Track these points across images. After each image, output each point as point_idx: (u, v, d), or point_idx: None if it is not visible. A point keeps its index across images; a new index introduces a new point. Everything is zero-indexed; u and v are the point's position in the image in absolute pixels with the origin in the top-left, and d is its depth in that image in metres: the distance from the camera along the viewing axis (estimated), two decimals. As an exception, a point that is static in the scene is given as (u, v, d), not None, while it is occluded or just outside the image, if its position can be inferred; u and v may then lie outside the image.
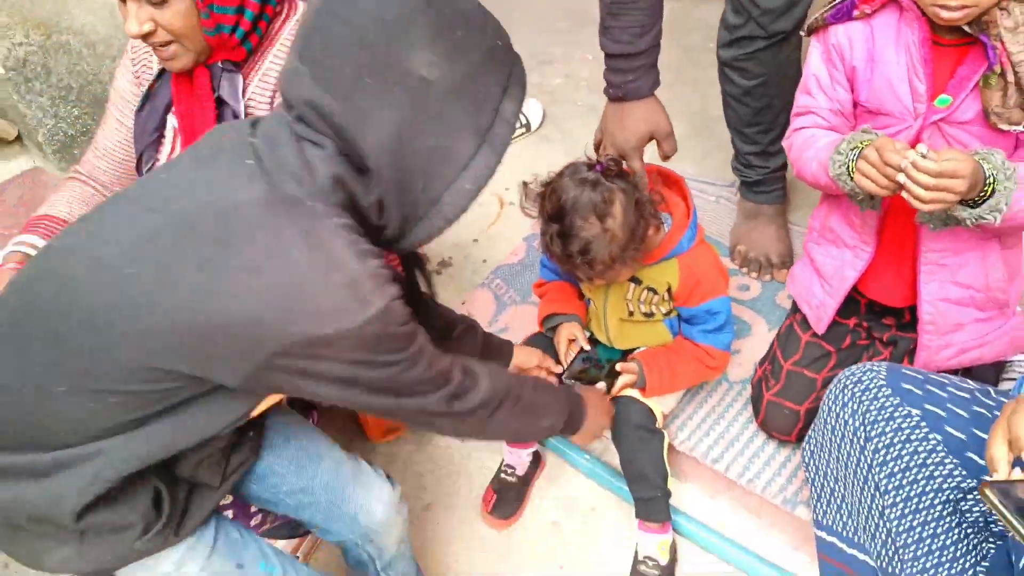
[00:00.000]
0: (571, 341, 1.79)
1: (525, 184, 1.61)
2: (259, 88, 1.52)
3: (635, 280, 1.70)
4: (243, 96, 1.50)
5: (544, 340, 1.85)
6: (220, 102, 1.50)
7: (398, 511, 1.45)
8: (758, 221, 2.19)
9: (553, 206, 1.54)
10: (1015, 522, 0.94)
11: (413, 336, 0.99)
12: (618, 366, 1.73)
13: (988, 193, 1.28)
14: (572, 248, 1.52)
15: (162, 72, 1.56)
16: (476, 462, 1.99)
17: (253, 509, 1.58)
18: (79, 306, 0.92)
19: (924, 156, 1.22)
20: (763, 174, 2.16)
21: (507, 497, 1.87)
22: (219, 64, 1.49)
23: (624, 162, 1.65)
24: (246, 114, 1.50)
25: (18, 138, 2.70)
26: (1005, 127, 1.33)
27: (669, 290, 1.68)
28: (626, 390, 1.71)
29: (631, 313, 1.74)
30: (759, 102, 2.03)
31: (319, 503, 1.34)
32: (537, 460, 1.93)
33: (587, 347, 1.78)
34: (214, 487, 1.15)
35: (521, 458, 1.88)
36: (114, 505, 1.03)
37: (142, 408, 0.96)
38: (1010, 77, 1.29)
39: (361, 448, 2.06)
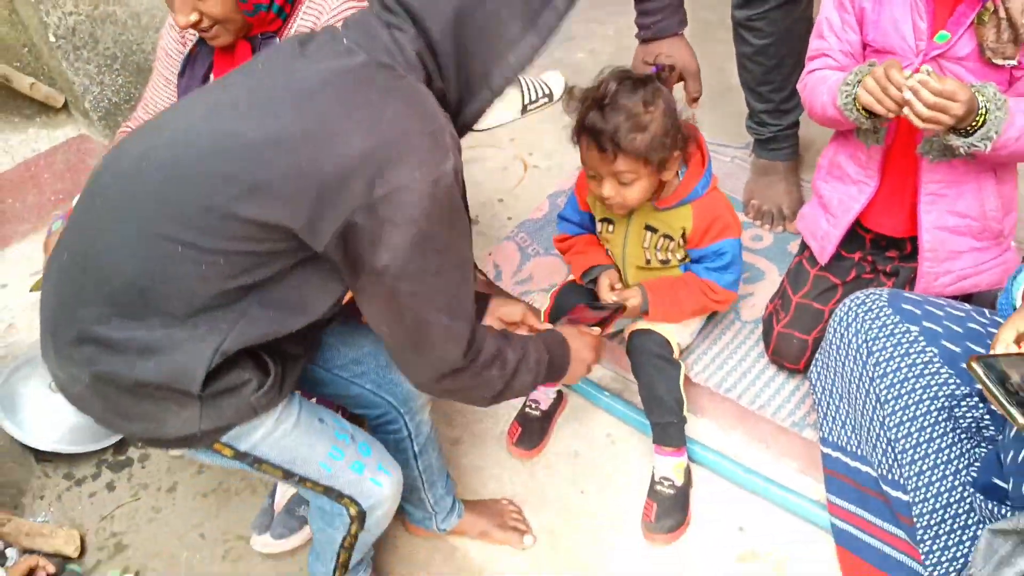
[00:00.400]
0: (613, 288, 1.85)
1: (571, 89, 1.70)
2: None
3: (650, 228, 1.79)
4: None
5: (577, 290, 1.93)
6: None
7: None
8: (771, 177, 2.29)
9: (601, 90, 1.60)
10: (995, 391, 1.04)
11: (468, 226, 1.16)
12: (620, 294, 1.81)
13: (980, 123, 1.39)
14: (613, 119, 1.56)
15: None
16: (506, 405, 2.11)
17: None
18: (199, 168, 1.07)
19: (929, 74, 1.35)
20: (775, 131, 2.26)
21: (531, 430, 1.98)
22: (258, 36, 1.63)
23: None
24: None
25: (64, 106, 2.85)
26: (999, 62, 1.44)
27: (683, 235, 1.77)
28: (643, 323, 1.82)
29: (648, 261, 1.84)
30: (771, 60, 2.14)
31: (369, 371, 1.49)
32: (560, 397, 2.05)
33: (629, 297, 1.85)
34: (300, 356, 1.29)
35: (547, 394, 2.00)
36: (232, 369, 1.16)
37: (247, 273, 1.09)
38: (1002, 14, 1.40)
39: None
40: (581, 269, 1.91)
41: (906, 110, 1.36)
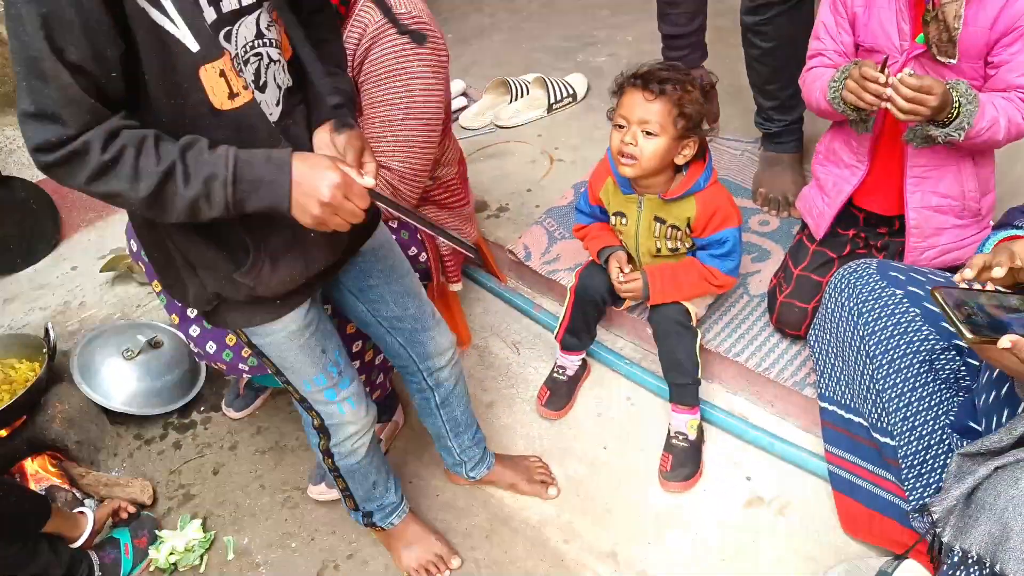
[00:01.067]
0: (622, 270, 2.01)
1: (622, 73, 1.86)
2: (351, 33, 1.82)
3: (659, 220, 1.94)
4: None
5: (600, 268, 2.10)
6: None
7: (454, 352, 1.79)
8: (777, 168, 2.50)
9: (653, 63, 1.81)
10: (951, 313, 1.24)
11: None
12: (626, 278, 1.98)
13: (955, 115, 1.60)
14: (667, 73, 1.75)
15: None
16: (531, 369, 2.32)
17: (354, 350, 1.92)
18: None
19: (910, 75, 1.55)
20: (781, 126, 2.47)
21: (559, 393, 2.20)
22: None
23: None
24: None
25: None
26: (943, 59, 1.66)
27: (689, 224, 1.93)
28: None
29: (659, 250, 2.00)
30: (777, 62, 2.34)
31: (405, 329, 1.67)
32: (584, 365, 2.26)
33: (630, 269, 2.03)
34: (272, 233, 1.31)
35: (573, 361, 2.21)
36: (209, 243, 1.28)
37: None
38: (941, 15, 1.60)
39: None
40: (595, 251, 2.09)
41: (888, 104, 1.57)
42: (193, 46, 1.10)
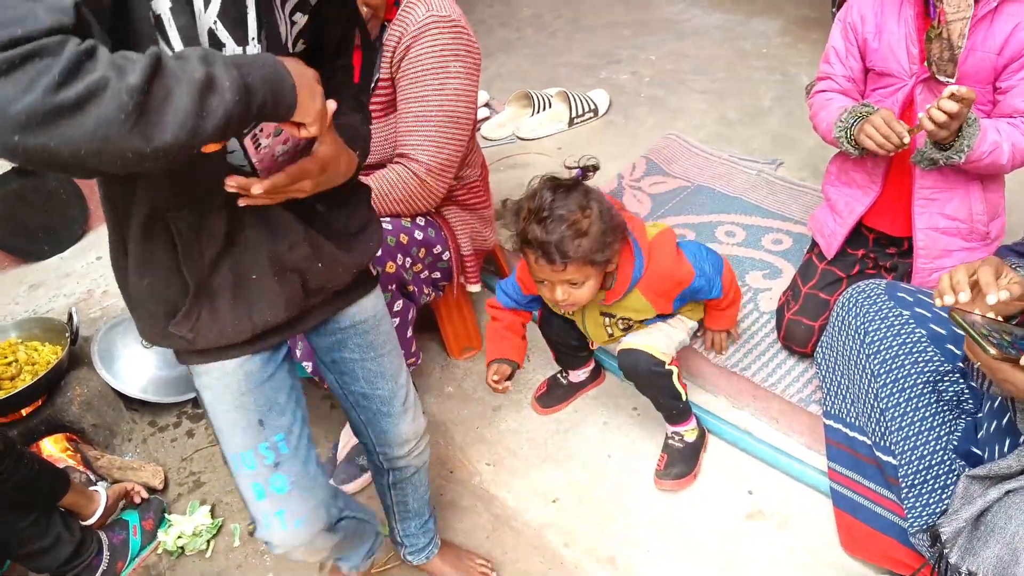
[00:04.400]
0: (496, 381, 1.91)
1: (504, 202, 1.75)
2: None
3: (607, 315, 1.88)
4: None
5: (555, 316, 2.02)
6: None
7: (416, 444, 1.61)
8: None
9: (537, 202, 1.64)
10: (973, 332, 1.26)
11: None
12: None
13: (956, 138, 1.64)
14: (556, 230, 1.59)
15: None
16: (540, 375, 2.36)
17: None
18: None
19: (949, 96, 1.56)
20: None
21: (554, 393, 2.26)
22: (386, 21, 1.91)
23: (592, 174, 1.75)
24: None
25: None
26: (941, 78, 1.69)
27: (651, 316, 1.89)
28: (626, 342, 1.90)
29: (611, 334, 1.95)
30: None
31: (370, 408, 1.51)
32: (596, 375, 2.29)
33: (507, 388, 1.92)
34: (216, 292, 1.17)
35: (577, 374, 2.26)
36: (145, 280, 1.15)
37: None
38: (945, 34, 1.64)
39: (443, 362, 2.45)
40: (490, 355, 1.95)
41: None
42: None
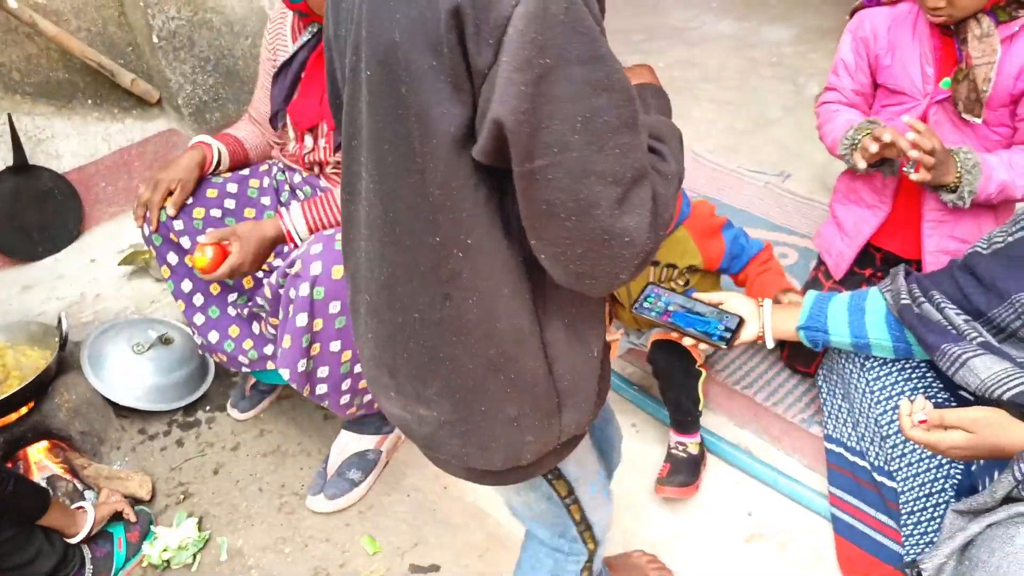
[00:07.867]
0: None
1: None
2: None
3: (653, 262, 1.88)
4: None
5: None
6: None
7: None
8: None
9: None
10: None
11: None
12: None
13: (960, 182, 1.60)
14: None
15: (294, 55, 1.94)
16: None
17: (345, 402, 1.89)
18: None
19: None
20: None
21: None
22: None
23: None
24: None
25: (159, 102, 3.13)
26: (968, 118, 1.64)
27: (692, 268, 1.88)
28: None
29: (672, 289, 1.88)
30: None
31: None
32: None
33: None
34: None
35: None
36: None
37: None
38: (972, 76, 1.58)
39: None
40: None
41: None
42: None
